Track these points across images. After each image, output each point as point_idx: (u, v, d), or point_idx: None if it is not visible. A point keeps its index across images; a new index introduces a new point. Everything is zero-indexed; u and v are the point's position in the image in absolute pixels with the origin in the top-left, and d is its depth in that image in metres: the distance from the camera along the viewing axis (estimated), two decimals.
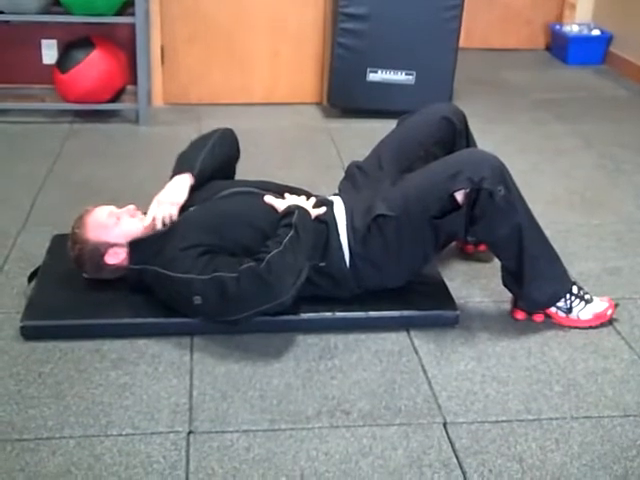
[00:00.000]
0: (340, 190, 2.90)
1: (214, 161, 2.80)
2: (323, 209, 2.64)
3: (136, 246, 2.56)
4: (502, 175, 2.50)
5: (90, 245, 2.57)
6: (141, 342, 2.51)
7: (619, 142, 4.39)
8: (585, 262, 3.09)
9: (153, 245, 2.53)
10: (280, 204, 2.61)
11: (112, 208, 2.64)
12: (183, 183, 2.70)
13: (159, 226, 2.61)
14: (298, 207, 2.56)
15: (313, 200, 2.68)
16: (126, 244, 2.57)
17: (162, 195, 2.67)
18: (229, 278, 2.37)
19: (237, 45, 4.69)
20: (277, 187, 2.76)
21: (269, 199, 2.63)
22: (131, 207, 2.67)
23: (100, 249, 2.57)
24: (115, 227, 2.58)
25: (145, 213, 2.67)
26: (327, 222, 2.62)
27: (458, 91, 4.74)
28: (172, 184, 2.71)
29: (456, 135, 2.90)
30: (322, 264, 2.57)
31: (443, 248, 2.71)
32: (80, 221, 2.61)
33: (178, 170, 2.76)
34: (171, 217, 2.62)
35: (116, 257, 2.58)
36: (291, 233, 2.45)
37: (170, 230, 2.56)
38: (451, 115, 2.92)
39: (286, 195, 2.68)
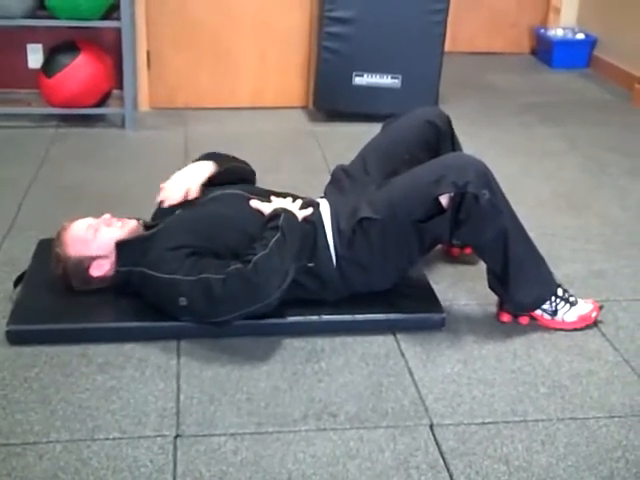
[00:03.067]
0: (326, 193, 2.90)
1: (236, 175, 2.86)
2: (310, 210, 2.65)
3: (123, 248, 2.57)
4: (487, 179, 2.52)
5: (73, 261, 2.57)
6: (127, 346, 2.51)
7: (604, 145, 4.41)
8: (570, 264, 3.11)
9: (140, 246, 2.53)
10: (266, 207, 2.62)
11: (89, 220, 2.62)
12: (205, 167, 2.77)
13: (172, 201, 2.65)
14: (284, 210, 2.56)
15: (299, 202, 2.69)
16: (113, 250, 2.57)
17: (179, 173, 2.73)
18: (215, 280, 2.37)
19: (223, 49, 4.69)
20: (262, 191, 2.76)
21: (255, 203, 2.64)
22: (107, 216, 2.66)
23: (83, 263, 2.57)
24: (94, 240, 2.57)
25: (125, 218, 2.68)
26: (314, 222, 2.63)
27: (444, 95, 4.75)
28: (193, 165, 2.77)
29: (440, 138, 2.91)
30: (310, 264, 2.58)
31: (428, 251, 2.72)
32: (59, 240, 2.60)
33: (206, 158, 2.83)
34: (185, 195, 2.66)
35: (100, 269, 2.58)
36: (277, 235, 2.45)
37: (157, 232, 2.57)
38: (435, 119, 2.93)
39: (272, 198, 2.68)
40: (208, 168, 2.77)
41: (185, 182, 2.70)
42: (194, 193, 2.68)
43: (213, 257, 2.47)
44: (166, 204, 2.68)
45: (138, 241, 2.57)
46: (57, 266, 2.60)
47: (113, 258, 2.58)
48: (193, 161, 2.83)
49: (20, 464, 2.04)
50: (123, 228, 2.63)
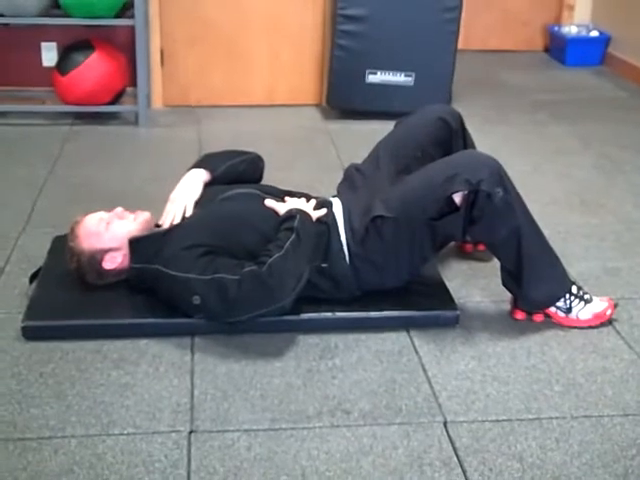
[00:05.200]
0: (338, 192, 2.90)
1: (235, 174, 2.83)
2: (324, 210, 2.65)
3: (137, 245, 2.57)
4: (500, 177, 2.51)
5: (86, 255, 2.58)
6: (142, 342, 2.52)
7: (618, 143, 4.40)
8: (584, 262, 3.10)
9: (154, 244, 2.54)
10: (281, 207, 2.62)
11: (101, 214, 2.64)
12: (197, 178, 2.75)
13: (176, 221, 2.62)
14: (299, 211, 2.56)
15: (313, 202, 2.69)
16: (126, 244, 2.58)
17: (175, 192, 2.71)
18: (230, 280, 2.37)
19: (237, 47, 4.70)
20: (277, 191, 2.77)
21: (270, 202, 2.64)
22: (119, 209, 2.67)
23: (97, 257, 2.58)
24: (106, 232, 2.58)
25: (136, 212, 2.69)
26: (328, 223, 2.63)
27: (457, 92, 4.75)
28: (186, 179, 2.75)
29: (452, 136, 2.91)
30: (324, 265, 2.58)
31: (441, 249, 2.72)
32: (72, 234, 2.61)
33: (199, 165, 2.81)
34: (184, 214, 2.64)
35: (113, 261, 2.59)
36: (292, 237, 2.45)
37: (172, 229, 2.57)
38: (447, 116, 2.92)
39: (286, 198, 2.69)
40: (201, 178, 2.75)
41: (182, 202, 2.67)
42: (189, 212, 2.65)
43: (228, 257, 2.47)
44: (166, 225, 2.64)
45: (153, 238, 2.57)
46: (71, 260, 2.61)
47: (126, 251, 2.59)
48: (188, 169, 2.81)
49: (36, 458, 2.05)
50: (136, 220, 2.64)
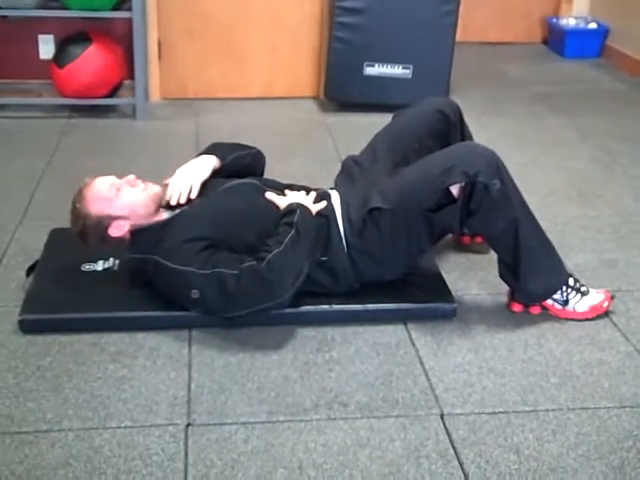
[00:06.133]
0: (336, 184, 2.90)
1: (240, 166, 2.83)
2: (324, 203, 2.65)
3: (138, 235, 2.55)
4: (497, 168, 2.51)
5: (93, 219, 2.53)
6: (139, 335, 2.52)
7: (615, 135, 4.40)
8: (582, 254, 3.10)
9: (155, 234, 2.52)
10: (281, 201, 2.61)
11: (112, 179, 2.58)
12: (208, 162, 2.73)
13: (180, 200, 2.61)
14: (299, 205, 2.56)
15: (313, 195, 2.69)
16: (134, 213, 2.54)
17: (183, 168, 2.70)
18: (229, 275, 2.37)
19: (235, 40, 4.69)
20: (277, 184, 2.76)
21: (271, 195, 2.64)
22: (131, 177, 2.60)
23: (103, 222, 2.54)
24: (116, 199, 2.53)
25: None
26: (327, 216, 2.62)
27: (455, 85, 4.74)
28: (196, 160, 2.74)
29: (450, 128, 2.90)
30: (324, 258, 2.57)
31: (438, 240, 2.72)
32: (80, 195, 2.56)
33: (209, 152, 2.80)
34: (189, 193, 2.63)
35: (120, 229, 2.55)
36: (292, 232, 2.45)
37: (173, 219, 2.55)
38: (445, 108, 2.92)
39: (287, 192, 2.68)
40: (211, 163, 2.74)
41: (189, 179, 2.65)
42: (195, 192, 2.64)
43: (227, 250, 2.46)
44: (173, 202, 2.63)
45: (154, 228, 2.54)
46: (76, 222, 2.56)
47: (133, 220, 2.55)
48: (196, 155, 2.81)
49: (33, 452, 2.05)
50: (145, 191, 2.59)
